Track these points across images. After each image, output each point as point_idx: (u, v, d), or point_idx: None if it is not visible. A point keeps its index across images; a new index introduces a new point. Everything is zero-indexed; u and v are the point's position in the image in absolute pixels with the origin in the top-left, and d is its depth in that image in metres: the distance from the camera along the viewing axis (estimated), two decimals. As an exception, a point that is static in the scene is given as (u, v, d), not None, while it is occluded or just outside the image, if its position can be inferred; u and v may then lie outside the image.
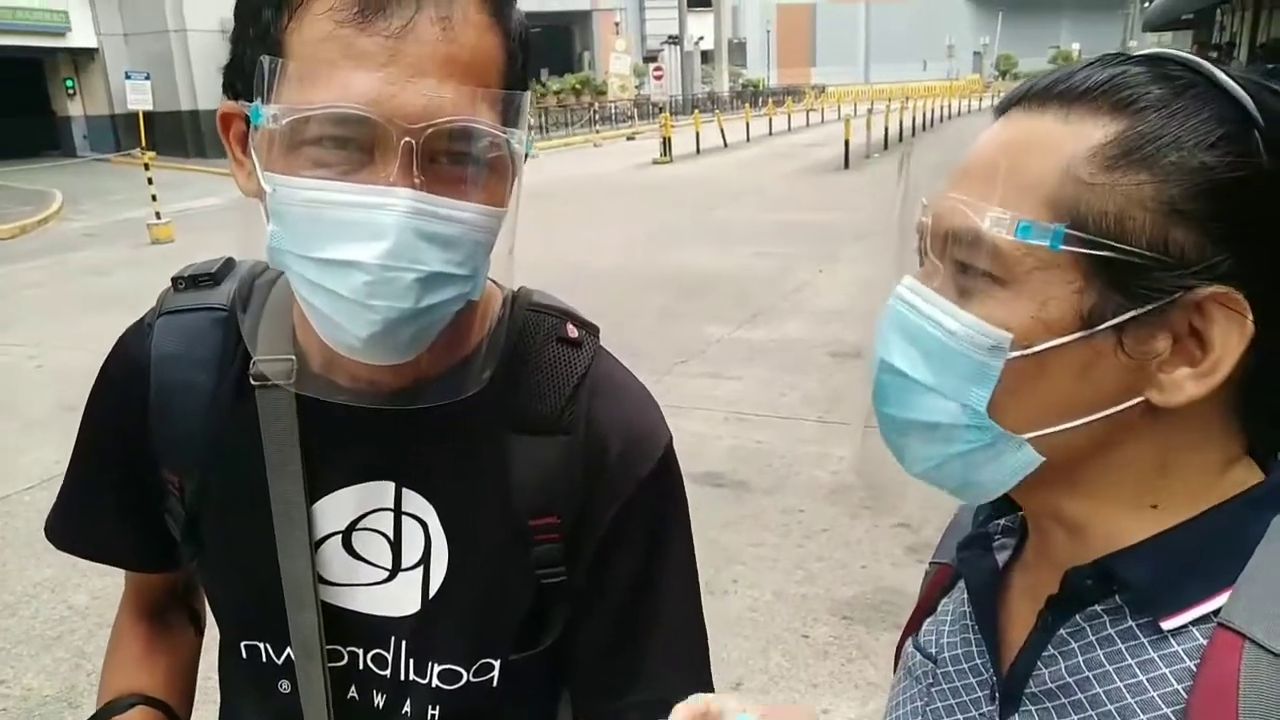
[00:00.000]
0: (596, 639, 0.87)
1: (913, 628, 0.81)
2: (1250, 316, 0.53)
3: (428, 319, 0.71)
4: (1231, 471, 0.59)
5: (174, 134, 22.74)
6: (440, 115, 0.67)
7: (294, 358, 0.82)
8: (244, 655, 0.89)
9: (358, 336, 0.70)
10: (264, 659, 0.88)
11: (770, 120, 28.22)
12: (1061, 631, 0.62)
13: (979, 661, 0.69)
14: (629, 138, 27.22)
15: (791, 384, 5.64)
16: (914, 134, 22.41)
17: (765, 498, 4.17)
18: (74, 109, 24.94)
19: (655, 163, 19.90)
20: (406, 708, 0.87)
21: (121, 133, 23.27)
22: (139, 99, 11.57)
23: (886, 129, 20.46)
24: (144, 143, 12.01)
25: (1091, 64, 0.58)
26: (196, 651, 1.06)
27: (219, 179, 16.62)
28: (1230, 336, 0.53)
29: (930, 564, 0.85)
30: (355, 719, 0.88)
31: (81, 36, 24.08)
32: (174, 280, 0.89)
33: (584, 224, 11.69)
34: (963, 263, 0.58)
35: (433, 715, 0.87)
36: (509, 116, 0.71)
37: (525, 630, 0.86)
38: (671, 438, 0.89)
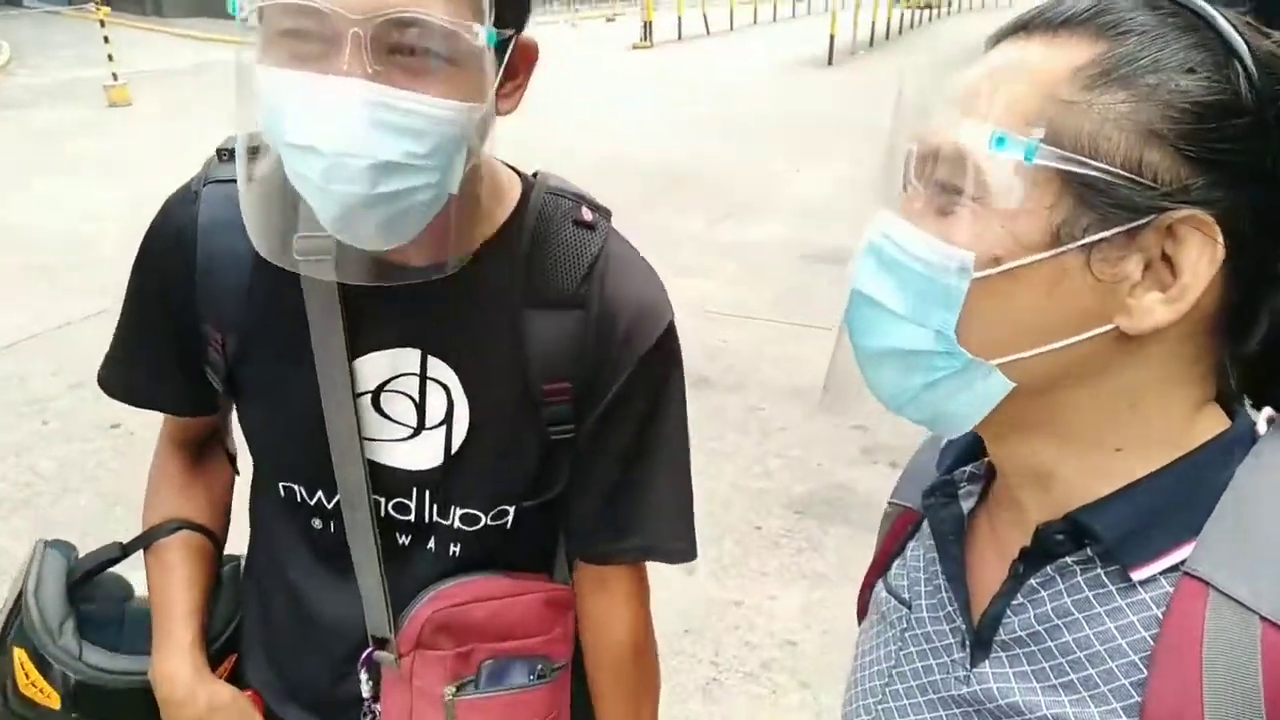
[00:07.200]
0: (599, 489, 0.97)
1: (878, 570, 0.82)
2: (1220, 241, 0.53)
3: (392, 207, 0.75)
4: (1198, 419, 0.60)
5: (130, -12, 21.55)
6: (388, 8, 0.70)
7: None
8: (281, 494, 0.98)
9: (325, 218, 0.76)
10: (299, 499, 0.97)
11: (755, 9, 27.39)
12: (1032, 581, 0.63)
13: (950, 609, 0.70)
14: (608, 19, 26.29)
15: (761, 284, 5.68)
16: (900, 32, 21.90)
17: (728, 395, 4.27)
18: (21, -46, 23.44)
19: (635, 48, 19.31)
20: (431, 544, 0.97)
21: (74, -17, 21.97)
22: (93, -52, 10.94)
23: (873, 24, 19.94)
24: (99, -4, 11.38)
25: None
26: (231, 484, 1.15)
27: (178, 40, 15.88)
28: (1201, 261, 0.54)
29: (890, 504, 0.85)
30: (384, 556, 0.97)
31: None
32: (218, 151, 0.94)
33: (555, 113, 11.40)
34: (942, 181, 0.59)
35: (454, 552, 0.97)
36: (469, 9, 0.73)
37: (537, 480, 0.96)
38: (674, 315, 0.97)
